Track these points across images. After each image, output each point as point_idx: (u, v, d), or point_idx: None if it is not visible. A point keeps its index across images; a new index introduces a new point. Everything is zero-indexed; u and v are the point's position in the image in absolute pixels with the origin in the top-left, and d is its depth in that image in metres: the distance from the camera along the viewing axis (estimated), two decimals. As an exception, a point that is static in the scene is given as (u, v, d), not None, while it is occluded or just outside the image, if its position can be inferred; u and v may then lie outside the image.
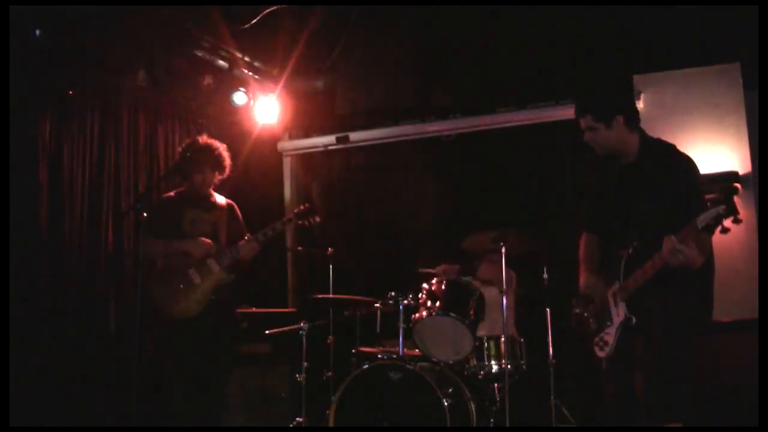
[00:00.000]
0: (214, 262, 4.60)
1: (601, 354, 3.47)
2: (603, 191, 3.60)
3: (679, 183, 3.27)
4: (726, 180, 4.98)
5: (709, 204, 2.96)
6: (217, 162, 4.75)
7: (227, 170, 4.82)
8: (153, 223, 4.31)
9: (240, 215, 4.89)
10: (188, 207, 4.71)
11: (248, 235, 4.70)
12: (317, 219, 4.79)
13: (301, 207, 4.84)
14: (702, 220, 2.94)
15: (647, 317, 3.26)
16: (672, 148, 3.46)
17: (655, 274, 3.18)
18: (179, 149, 4.85)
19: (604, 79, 5.58)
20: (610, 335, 3.40)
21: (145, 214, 3.97)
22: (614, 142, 3.44)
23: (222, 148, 4.80)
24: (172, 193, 4.83)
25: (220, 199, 4.85)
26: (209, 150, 4.73)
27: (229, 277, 4.65)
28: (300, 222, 4.78)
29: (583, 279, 3.57)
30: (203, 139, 4.83)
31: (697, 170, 3.39)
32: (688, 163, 3.37)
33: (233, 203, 4.90)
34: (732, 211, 2.87)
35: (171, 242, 4.58)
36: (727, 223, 2.92)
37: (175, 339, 4.51)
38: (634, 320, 3.29)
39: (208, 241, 4.60)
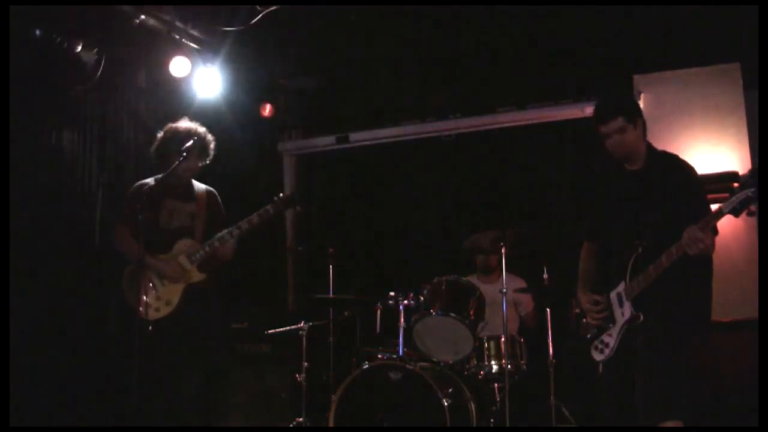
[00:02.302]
0: (186, 260, 4.29)
1: (598, 357, 3.46)
2: (608, 199, 3.60)
3: (684, 191, 3.30)
4: (726, 180, 4.98)
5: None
6: (202, 149, 4.42)
7: (211, 157, 4.51)
8: (136, 216, 3.95)
9: (221, 203, 4.57)
10: (167, 197, 4.37)
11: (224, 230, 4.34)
12: (299, 208, 4.57)
13: (275, 198, 4.41)
14: (729, 204, 2.95)
15: (652, 316, 3.27)
16: (675, 158, 3.48)
17: (670, 266, 3.17)
18: (161, 134, 4.47)
19: (611, 82, 5.59)
20: (612, 336, 3.40)
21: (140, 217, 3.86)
22: (635, 144, 3.42)
23: (207, 132, 4.47)
24: (150, 180, 4.43)
25: (200, 188, 4.52)
26: (195, 136, 4.37)
27: (201, 275, 4.31)
28: (278, 212, 4.41)
29: (582, 299, 3.59)
30: (187, 123, 4.47)
31: (698, 176, 3.43)
32: (690, 171, 3.41)
33: (213, 191, 4.57)
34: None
35: (145, 255, 4.09)
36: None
37: (148, 341, 4.10)
38: (641, 318, 3.29)
39: (179, 271, 4.26)
